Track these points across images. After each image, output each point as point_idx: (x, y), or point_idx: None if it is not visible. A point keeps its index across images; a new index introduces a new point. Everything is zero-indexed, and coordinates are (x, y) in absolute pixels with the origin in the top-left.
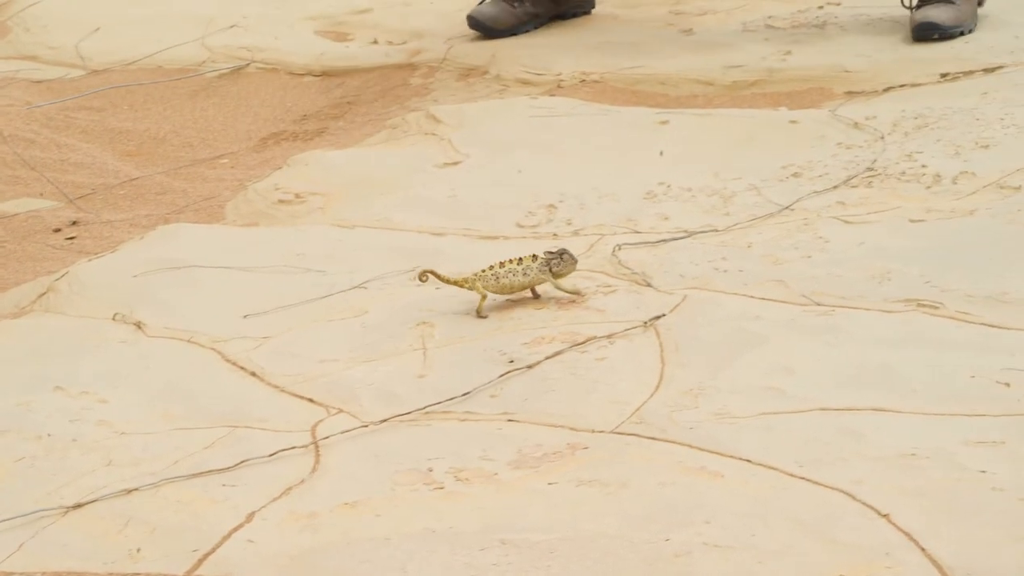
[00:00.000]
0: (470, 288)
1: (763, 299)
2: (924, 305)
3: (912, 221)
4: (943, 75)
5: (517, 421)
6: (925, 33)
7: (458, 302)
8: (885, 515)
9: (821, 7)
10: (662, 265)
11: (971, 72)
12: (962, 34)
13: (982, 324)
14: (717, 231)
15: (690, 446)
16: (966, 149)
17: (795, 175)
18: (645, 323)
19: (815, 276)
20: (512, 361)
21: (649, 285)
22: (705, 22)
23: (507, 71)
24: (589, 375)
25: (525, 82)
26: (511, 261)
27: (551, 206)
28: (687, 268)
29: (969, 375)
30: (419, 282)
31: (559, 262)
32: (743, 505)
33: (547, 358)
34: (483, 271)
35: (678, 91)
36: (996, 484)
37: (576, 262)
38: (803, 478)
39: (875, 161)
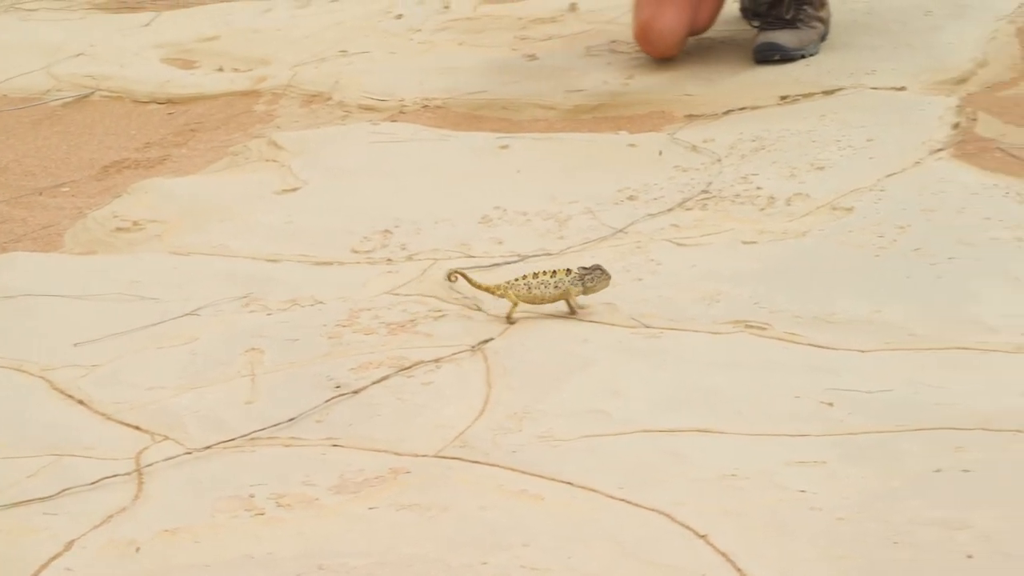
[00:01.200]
0: (501, 295)
1: (592, 322)
2: (752, 327)
3: (744, 243)
4: (783, 98)
5: (341, 446)
6: (766, 54)
7: (289, 327)
8: (703, 536)
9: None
10: None
11: (811, 94)
12: (803, 57)
13: (809, 345)
14: (550, 255)
15: (512, 469)
16: (801, 171)
17: (631, 198)
18: (473, 347)
19: (645, 299)
20: (339, 386)
21: (479, 309)
22: (550, 47)
23: (350, 97)
24: (415, 400)
25: (368, 108)
26: (544, 273)
27: (387, 231)
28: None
29: (794, 396)
30: (449, 282)
31: (592, 278)
32: (562, 528)
33: (374, 383)
34: (515, 280)
35: (520, 116)
36: (815, 504)
37: (609, 278)
38: (623, 500)
39: (710, 184)
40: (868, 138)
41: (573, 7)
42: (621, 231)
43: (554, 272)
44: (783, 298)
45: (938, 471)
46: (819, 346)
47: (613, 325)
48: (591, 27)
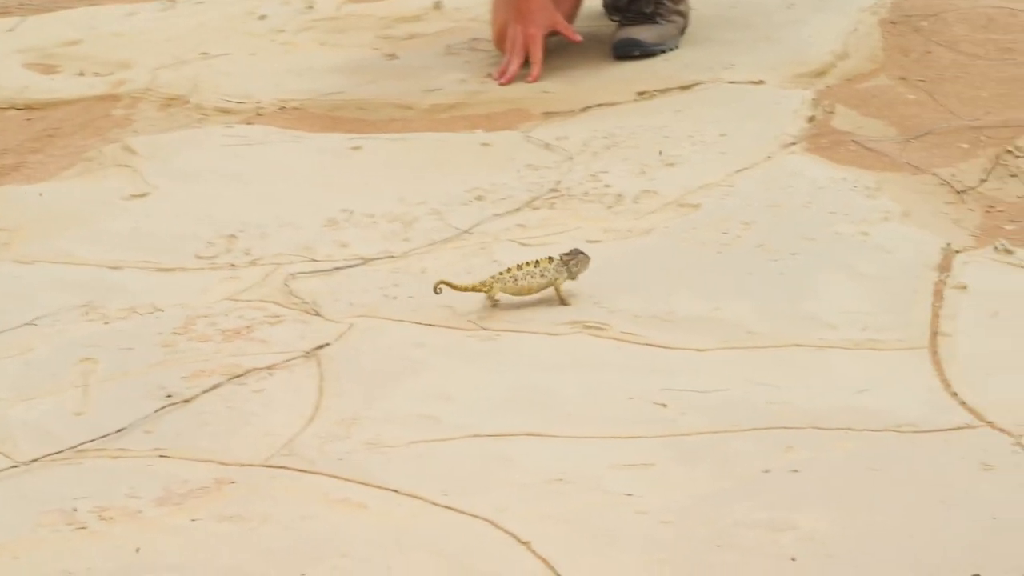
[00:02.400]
0: (488, 291)
1: (430, 325)
2: (590, 327)
3: (589, 242)
4: (640, 93)
5: (168, 457)
6: (625, 50)
7: (125, 336)
8: (526, 543)
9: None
10: (333, 293)
11: (667, 90)
12: (663, 52)
13: (646, 344)
14: (393, 257)
15: (337, 477)
16: (652, 168)
17: (479, 198)
18: (307, 353)
19: (484, 301)
20: (170, 396)
21: (318, 314)
22: (411, 46)
23: (208, 100)
24: (245, 408)
25: (225, 110)
26: (528, 264)
27: (232, 236)
28: (358, 296)
29: (628, 397)
30: (435, 294)
31: (576, 262)
32: (384, 536)
33: (204, 392)
34: (501, 274)
35: (377, 116)
36: (640, 508)
37: (590, 259)
38: (447, 507)
39: (559, 182)
40: (721, 133)
41: (438, 5)
42: (466, 232)
43: (537, 262)
44: (623, 297)
45: (767, 471)
46: (656, 346)
47: (450, 328)
48: (455, 25)
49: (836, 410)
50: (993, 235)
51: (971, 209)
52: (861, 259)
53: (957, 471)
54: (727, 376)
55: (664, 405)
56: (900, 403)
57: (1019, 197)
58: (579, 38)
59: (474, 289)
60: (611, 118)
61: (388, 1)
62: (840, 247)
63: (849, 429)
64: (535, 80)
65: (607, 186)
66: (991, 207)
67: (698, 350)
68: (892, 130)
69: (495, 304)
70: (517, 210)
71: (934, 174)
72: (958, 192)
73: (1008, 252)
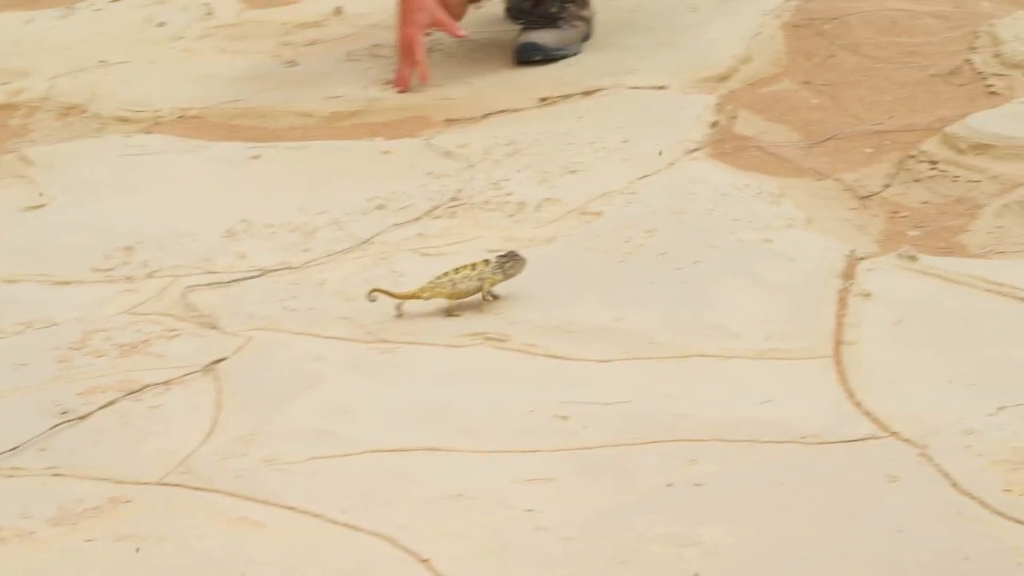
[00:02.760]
0: (428, 298)
1: (329, 338)
2: (491, 338)
3: (490, 252)
4: (542, 100)
5: (63, 475)
6: (527, 55)
7: (20, 351)
8: (425, 560)
9: (428, 34)
10: (232, 306)
11: (570, 96)
12: (564, 57)
13: (548, 356)
14: (292, 268)
15: (235, 495)
16: (554, 175)
17: (380, 207)
18: (204, 368)
19: (386, 312)
20: (65, 412)
21: (215, 328)
22: (312, 52)
23: (106, 109)
24: (141, 424)
25: (123, 119)
26: (465, 267)
27: (129, 248)
28: (257, 308)
29: (528, 410)
30: (369, 301)
31: (511, 264)
32: (281, 555)
33: (100, 408)
34: (438, 278)
35: (277, 124)
36: (541, 523)
37: (526, 262)
38: (346, 525)
39: (460, 190)
40: (624, 139)
41: (338, 11)
42: (366, 242)
43: (474, 265)
44: (525, 307)
45: (670, 485)
46: (558, 357)
47: (349, 340)
48: (356, 31)
49: (740, 421)
50: (897, 241)
51: (875, 215)
52: (765, 267)
53: (862, 483)
54: (630, 387)
55: (566, 418)
56: (805, 414)
57: (923, 202)
58: (462, 33)
59: (413, 296)
60: (513, 125)
61: (289, 7)
62: (744, 255)
63: (754, 441)
64: (424, 80)
65: (509, 194)
66: (895, 212)
67: (600, 361)
68: (795, 135)
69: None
70: (418, 219)
71: (837, 179)
72: (861, 198)
73: (912, 259)
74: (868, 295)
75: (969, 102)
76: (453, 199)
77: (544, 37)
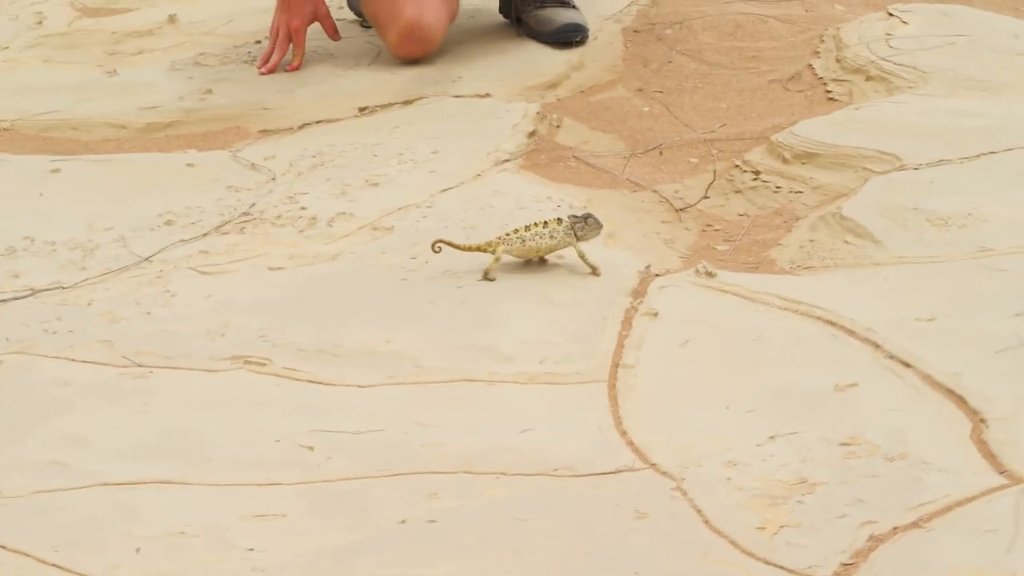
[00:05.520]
0: (492, 251)
1: (83, 362)
2: (252, 362)
3: (271, 269)
4: (362, 109)
5: None
6: (570, 35)
7: None
8: None
9: (258, 41)
10: None
11: (390, 105)
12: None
13: (307, 381)
14: (63, 288)
15: None
16: (354, 188)
17: (168, 223)
18: None
19: (148, 334)
20: None
21: None
22: (137, 62)
23: None
24: None
25: None
26: (536, 224)
27: None
28: (16, 331)
29: (275, 439)
30: (434, 252)
31: (583, 226)
32: None
33: None
34: (507, 234)
35: (90, 136)
36: (259, 564)
37: (601, 227)
38: (55, 565)
39: (254, 205)
40: (434, 150)
41: (172, 19)
42: (146, 260)
43: (546, 223)
44: (293, 329)
45: (403, 522)
46: (317, 382)
47: (104, 364)
48: (187, 39)
49: (492, 452)
50: (705, 256)
51: (687, 228)
52: (552, 285)
53: (608, 520)
54: (386, 415)
55: (311, 448)
56: (563, 443)
57: (740, 214)
58: (338, 36)
59: (478, 249)
60: (327, 135)
61: (123, 15)
62: (531, 272)
63: (502, 474)
64: (295, 70)
65: (303, 208)
66: (709, 225)
67: (360, 386)
68: (620, 144)
69: (496, 263)
70: (205, 235)
71: (655, 191)
72: (678, 210)
73: (710, 275)
74: (655, 315)
75: (807, 109)
76: (244, 214)
77: (577, 16)
